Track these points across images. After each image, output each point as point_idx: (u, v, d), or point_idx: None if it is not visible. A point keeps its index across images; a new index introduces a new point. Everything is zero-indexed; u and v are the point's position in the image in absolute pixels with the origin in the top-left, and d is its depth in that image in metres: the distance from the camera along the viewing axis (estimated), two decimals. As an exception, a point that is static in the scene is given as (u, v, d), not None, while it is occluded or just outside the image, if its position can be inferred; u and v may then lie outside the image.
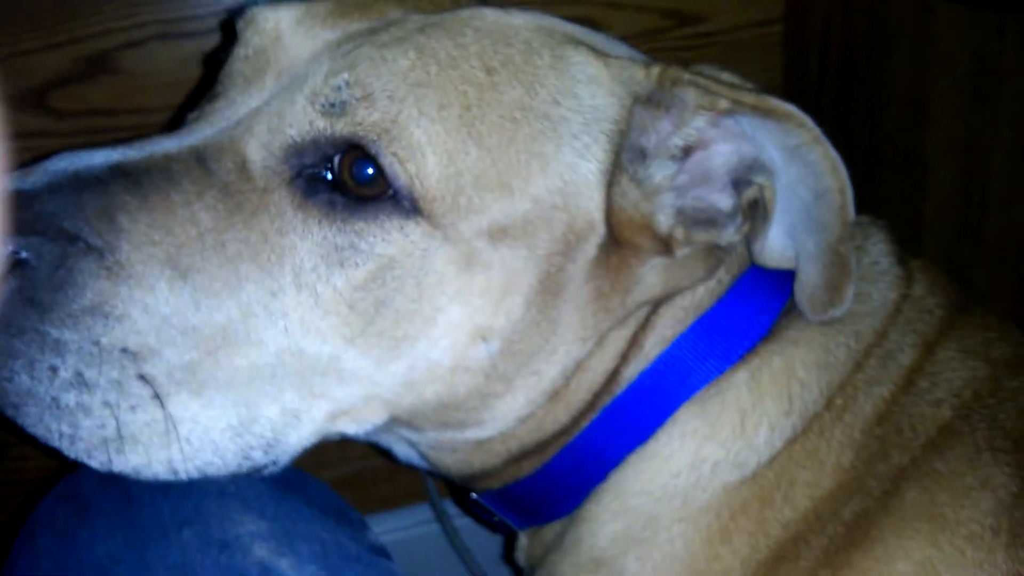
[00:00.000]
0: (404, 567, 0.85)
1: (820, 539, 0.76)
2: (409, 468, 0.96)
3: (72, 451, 0.69)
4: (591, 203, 0.77)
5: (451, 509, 1.59)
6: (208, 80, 0.82)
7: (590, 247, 0.78)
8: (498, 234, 0.73)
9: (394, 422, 0.81)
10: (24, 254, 0.65)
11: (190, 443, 0.71)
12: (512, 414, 0.82)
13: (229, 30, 0.82)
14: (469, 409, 0.80)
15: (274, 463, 0.76)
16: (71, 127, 1.27)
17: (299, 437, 0.76)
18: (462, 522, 1.59)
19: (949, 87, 1.23)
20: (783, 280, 0.83)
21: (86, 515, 0.76)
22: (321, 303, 0.71)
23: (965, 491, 0.74)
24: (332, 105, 0.70)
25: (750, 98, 0.74)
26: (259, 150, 0.72)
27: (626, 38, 1.39)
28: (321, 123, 0.70)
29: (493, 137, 0.72)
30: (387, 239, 0.70)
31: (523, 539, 0.99)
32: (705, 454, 0.81)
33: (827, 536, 0.76)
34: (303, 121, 0.71)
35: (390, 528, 1.64)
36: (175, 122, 0.81)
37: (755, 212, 0.80)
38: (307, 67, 0.74)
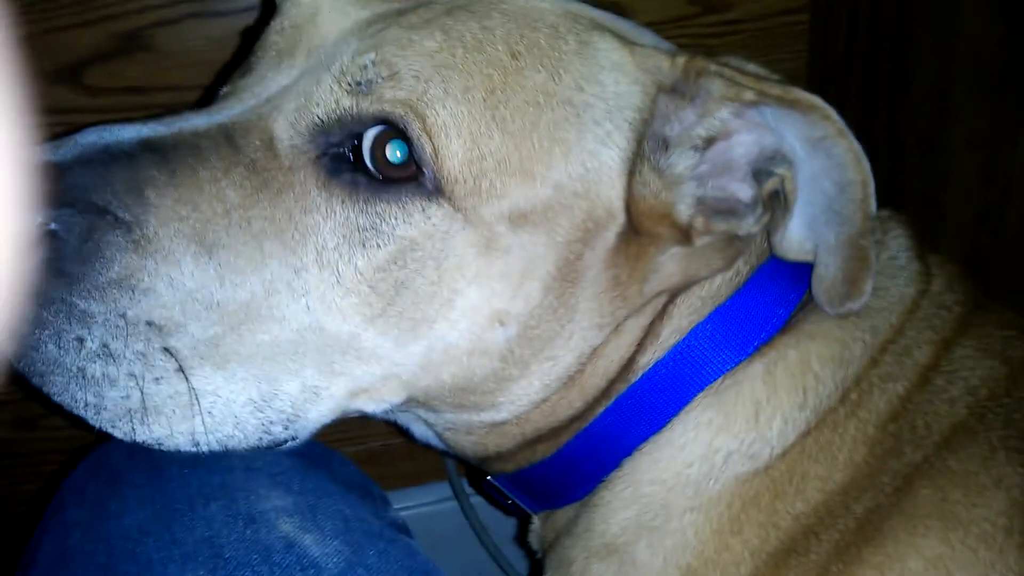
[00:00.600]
0: (422, 542, 0.87)
1: (831, 533, 0.76)
2: (427, 447, 0.98)
3: (97, 420, 0.70)
4: (612, 191, 0.77)
5: (469, 488, 1.60)
6: (243, 53, 0.83)
7: (609, 235, 0.78)
8: (518, 219, 0.73)
9: (411, 402, 0.81)
10: (53, 225, 0.66)
11: (212, 416, 0.72)
12: (527, 398, 0.83)
13: (269, 2, 0.82)
14: (485, 392, 0.81)
15: (293, 438, 0.78)
16: (104, 104, 1.28)
17: (318, 413, 0.77)
18: (479, 500, 1.61)
19: (973, 78, 1.22)
20: (801, 272, 0.84)
21: (116, 486, 0.77)
22: (343, 282, 0.72)
23: (978, 490, 0.74)
24: (359, 84, 0.70)
25: (776, 89, 0.74)
26: (286, 128, 0.73)
27: (653, 24, 1.40)
28: (347, 102, 0.71)
29: (516, 122, 0.72)
30: (409, 221, 0.71)
31: (536, 522, 1.00)
32: (718, 444, 0.81)
33: (838, 531, 0.76)
34: (329, 100, 0.71)
35: (410, 504, 1.66)
36: (208, 97, 0.82)
37: (775, 203, 0.80)
38: (336, 46, 0.75)
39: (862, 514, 0.76)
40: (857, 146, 0.75)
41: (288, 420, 0.76)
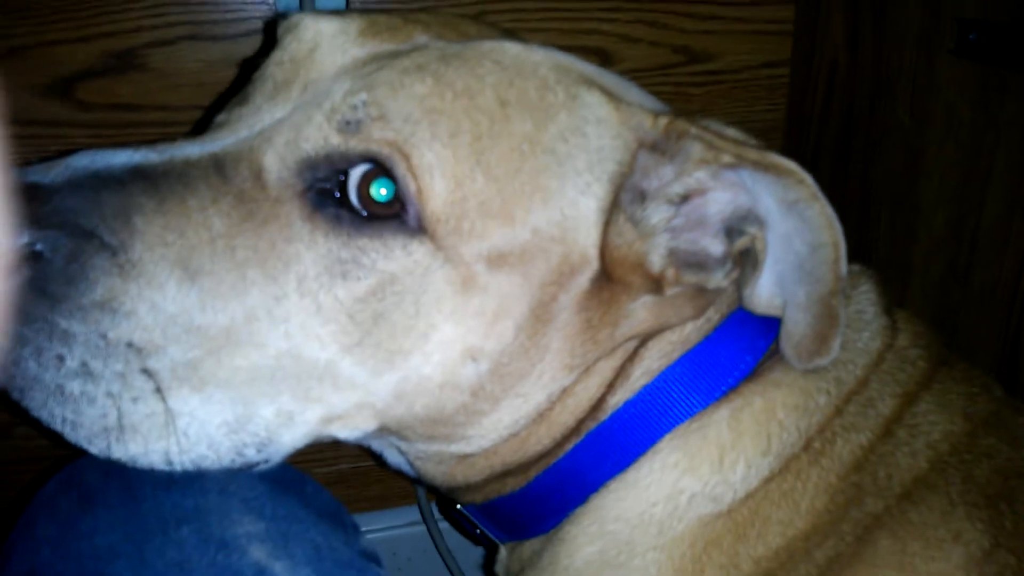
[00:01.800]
0: (389, 565, 0.87)
1: None
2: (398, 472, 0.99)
3: (74, 436, 0.71)
4: (588, 239, 0.78)
5: (438, 513, 1.61)
6: (241, 81, 0.85)
7: (583, 279, 0.79)
8: (497, 260, 0.75)
9: (384, 430, 0.82)
10: (39, 246, 0.67)
11: (187, 436, 0.73)
12: (496, 432, 0.84)
13: (271, 33, 0.84)
14: (455, 424, 0.82)
15: (266, 461, 0.78)
16: (96, 119, 1.29)
17: (292, 438, 0.78)
18: (447, 525, 1.61)
19: (947, 138, 1.26)
20: (770, 321, 0.85)
21: (88, 505, 0.76)
22: (322, 311, 0.73)
23: (937, 543, 0.75)
24: (348, 123, 0.72)
25: (753, 154, 0.76)
26: (275, 162, 0.74)
27: (638, 71, 1.44)
28: (336, 139, 0.72)
29: (500, 167, 0.73)
30: (390, 256, 0.72)
31: (503, 552, 1.01)
32: (683, 486, 0.82)
33: None
34: (318, 137, 0.72)
35: (378, 527, 1.67)
36: (204, 121, 0.83)
37: (745, 260, 0.82)
38: (330, 84, 0.76)
39: (823, 561, 0.77)
40: (830, 210, 0.76)
41: (262, 444, 0.76)
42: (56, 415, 0.70)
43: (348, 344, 0.74)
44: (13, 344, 0.67)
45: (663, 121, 0.78)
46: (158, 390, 0.71)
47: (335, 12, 0.84)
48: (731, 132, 0.80)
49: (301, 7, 1.26)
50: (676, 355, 0.85)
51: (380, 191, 0.72)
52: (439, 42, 0.81)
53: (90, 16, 1.24)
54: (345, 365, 0.75)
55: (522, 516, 0.91)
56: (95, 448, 0.71)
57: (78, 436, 0.71)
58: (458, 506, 0.99)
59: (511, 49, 0.79)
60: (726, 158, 0.76)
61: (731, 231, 0.81)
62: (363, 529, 0.90)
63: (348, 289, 0.73)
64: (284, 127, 0.75)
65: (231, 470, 0.77)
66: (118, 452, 0.72)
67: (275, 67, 0.80)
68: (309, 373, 0.75)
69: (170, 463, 0.73)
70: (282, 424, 0.76)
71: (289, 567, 0.73)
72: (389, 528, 1.67)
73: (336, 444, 0.83)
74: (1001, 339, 1.21)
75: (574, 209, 0.77)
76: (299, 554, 0.75)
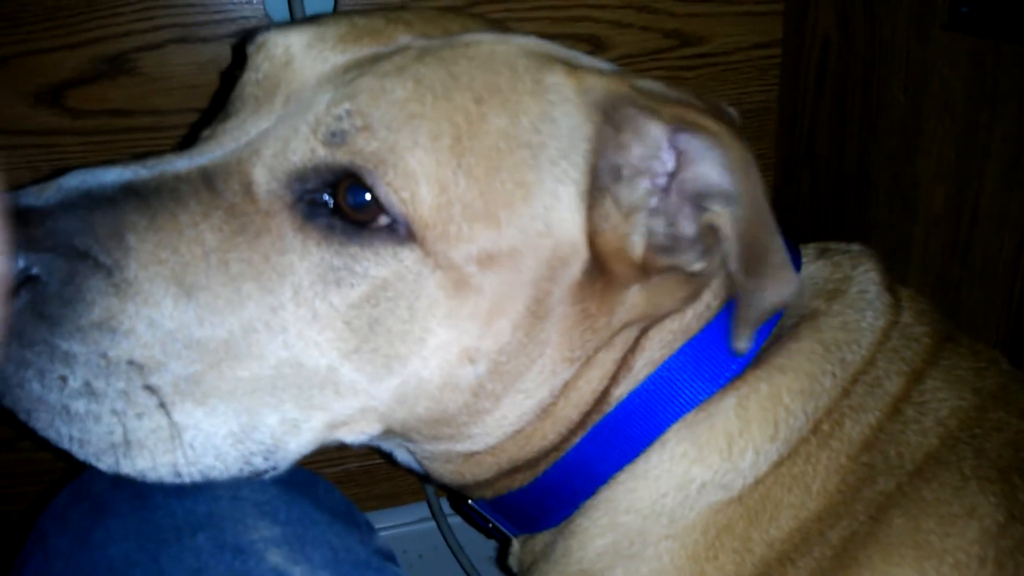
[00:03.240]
0: (400, 562, 0.87)
1: (807, 560, 0.77)
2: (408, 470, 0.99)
3: (82, 454, 0.71)
4: (574, 227, 0.78)
5: (447, 509, 1.62)
6: (223, 94, 0.84)
7: (575, 270, 0.79)
8: (486, 261, 0.75)
9: (389, 433, 0.82)
10: (35, 270, 0.68)
11: (193, 448, 0.73)
12: (500, 430, 0.84)
13: (241, 50, 0.84)
14: (459, 424, 0.82)
15: (274, 468, 0.78)
16: (87, 126, 1.29)
17: (298, 444, 0.78)
18: (457, 521, 1.62)
19: (942, 113, 1.26)
20: None
21: (100, 516, 0.76)
22: (319, 319, 0.73)
23: (952, 519, 0.76)
24: (333, 134, 0.72)
25: (673, 112, 0.76)
26: (264, 174, 0.74)
27: (630, 57, 1.44)
28: (322, 151, 0.72)
29: (480, 167, 0.74)
30: (381, 263, 0.73)
31: (515, 545, 1.01)
32: (693, 475, 0.83)
33: (814, 558, 0.77)
34: (305, 149, 0.73)
35: (389, 524, 1.68)
36: (191, 135, 0.83)
37: (714, 239, 0.80)
38: (313, 93, 0.76)
39: (838, 542, 0.77)
40: (744, 158, 0.75)
41: (268, 451, 0.77)
42: (63, 434, 0.70)
43: (346, 350, 0.74)
44: (16, 367, 0.68)
45: (610, 84, 0.78)
46: (162, 405, 0.71)
47: (311, 19, 0.84)
48: (673, 93, 0.79)
49: (290, 8, 1.25)
50: (678, 344, 0.86)
51: (369, 199, 0.72)
52: (420, 40, 0.80)
53: (78, 22, 1.24)
54: (345, 371, 0.75)
55: (532, 510, 0.92)
56: (104, 464, 0.72)
57: (86, 453, 0.71)
58: (469, 501, 0.99)
59: (486, 42, 0.79)
60: (663, 114, 0.76)
61: (700, 209, 0.80)
62: (374, 526, 0.90)
63: (343, 296, 0.73)
64: (271, 139, 0.75)
65: (239, 478, 0.77)
66: (126, 467, 0.72)
67: (251, 86, 0.80)
68: (310, 381, 0.75)
69: (179, 475, 0.74)
70: (287, 432, 0.77)
71: (308, 571, 0.74)
72: (399, 525, 1.68)
73: (343, 444, 0.83)
74: (1003, 314, 1.21)
75: (555, 200, 0.77)
76: (316, 557, 0.75)
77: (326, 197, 0.73)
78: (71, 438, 0.71)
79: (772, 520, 0.81)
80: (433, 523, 1.63)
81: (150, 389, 0.71)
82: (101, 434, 0.71)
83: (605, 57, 1.44)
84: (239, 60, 0.83)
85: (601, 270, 0.80)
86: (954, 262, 1.28)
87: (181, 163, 0.76)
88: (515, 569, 1.02)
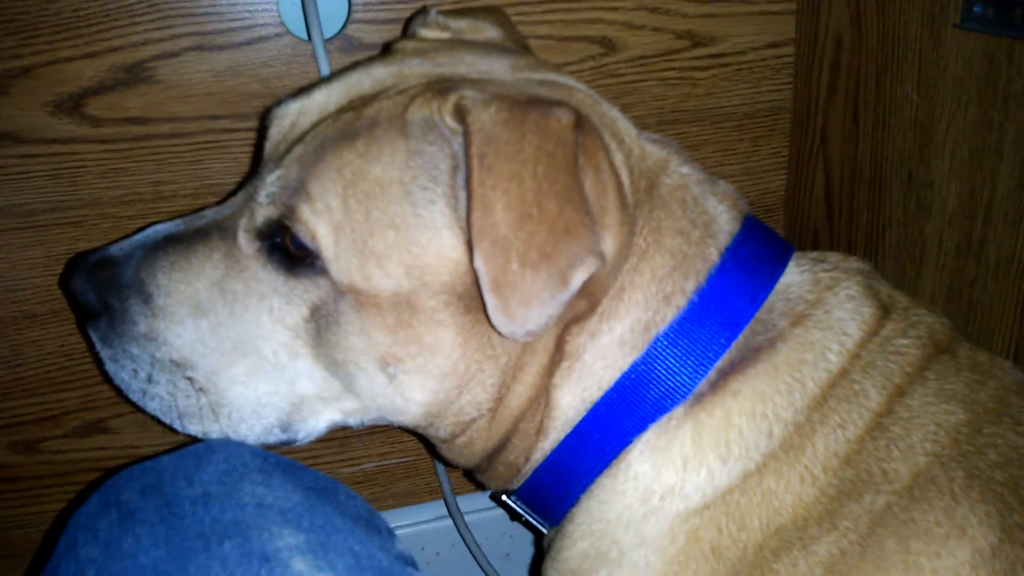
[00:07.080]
0: (417, 560, 0.90)
1: (791, 572, 0.79)
2: (425, 466, 1.00)
3: (165, 419, 0.98)
4: (455, 248, 0.84)
5: (464, 507, 1.63)
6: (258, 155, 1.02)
7: (464, 282, 0.85)
8: (380, 287, 0.85)
9: (367, 416, 0.98)
10: (111, 300, 0.95)
11: (229, 419, 0.96)
12: (447, 420, 0.94)
13: (265, 120, 1.02)
14: (404, 415, 0.95)
15: (293, 440, 0.98)
16: (107, 134, 1.30)
17: (303, 423, 0.98)
18: (473, 518, 1.65)
19: (956, 112, 1.26)
20: (725, 317, 0.88)
21: (129, 524, 0.80)
22: (288, 329, 0.92)
23: (942, 540, 0.76)
24: (268, 196, 0.90)
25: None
26: (244, 227, 0.94)
27: (643, 58, 1.44)
28: (265, 211, 0.90)
29: (360, 212, 0.85)
30: (310, 289, 0.90)
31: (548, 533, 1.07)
32: (654, 489, 0.88)
33: (800, 572, 0.79)
34: (259, 209, 0.91)
35: (406, 523, 1.70)
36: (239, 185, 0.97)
37: None
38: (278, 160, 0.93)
39: (826, 557, 0.78)
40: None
41: (284, 425, 0.97)
42: (149, 406, 0.97)
43: (310, 354, 0.93)
44: (112, 363, 0.97)
45: (418, 97, 0.88)
46: (201, 390, 0.95)
47: (327, 79, 1.00)
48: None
49: (304, 11, 1.26)
50: (627, 361, 0.89)
51: (293, 243, 0.89)
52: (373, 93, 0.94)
53: (97, 32, 1.25)
54: (319, 374, 0.94)
55: (535, 506, 1.00)
56: (177, 426, 0.97)
57: (168, 419, 0.98)
58: (503, 497, 1.06)
59: (394, 92, 0.91)
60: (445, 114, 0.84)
61: None
62: (391, 525, 0.92)
63: (295, 314, 0.91)
64: (251, 201, 0.93)
65: (267, 462, 0.91)
66: (191, 430, 0.97)
67: (270, 145, 0.99)
68: (293, 375, 0.94)
69: (225, 435, 0.97)
70: (292, 411, 0.97)
71: None
72: (416, 523, 1.70)
73: (355, 446, 0.85)
74: (1018, 312, 1.21)
75: (432, 232, 0.84)
76: (340, 564, 0.78)
77: (279, 240, 0.90)
78: (154, 408, 0.97)
79: (742, 529, 0.83)
80: (450, 521, 1.65)
81: (190, 379, 0.95)
82: (166, 408, 0.97)
83: (618, 59, 1.45)
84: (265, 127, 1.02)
85: None
86: (968, 260, 1.27)
87: (210, 214, 0.99)
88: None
